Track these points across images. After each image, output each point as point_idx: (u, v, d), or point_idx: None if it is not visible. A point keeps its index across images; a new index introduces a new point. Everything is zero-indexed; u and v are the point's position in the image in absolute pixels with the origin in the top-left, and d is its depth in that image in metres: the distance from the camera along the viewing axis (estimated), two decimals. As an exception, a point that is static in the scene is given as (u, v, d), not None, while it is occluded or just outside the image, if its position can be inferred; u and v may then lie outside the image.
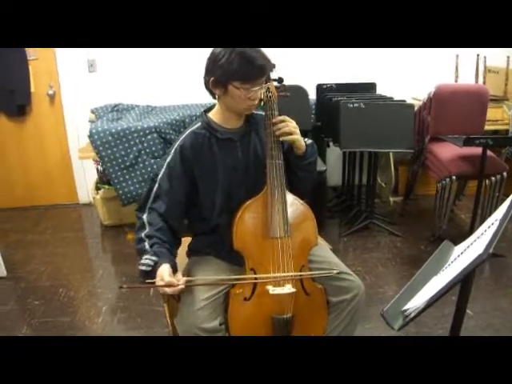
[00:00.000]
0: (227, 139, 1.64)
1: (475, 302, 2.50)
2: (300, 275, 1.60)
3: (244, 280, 1.58)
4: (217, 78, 1.52)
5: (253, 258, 1.59)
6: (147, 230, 1.58)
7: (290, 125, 1.60)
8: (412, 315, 1.09)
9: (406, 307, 1.16)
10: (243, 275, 1.59)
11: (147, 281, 1.48)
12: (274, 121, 1.61)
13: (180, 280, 1.45)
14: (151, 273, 1.49)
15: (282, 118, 1.62)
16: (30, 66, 3.67)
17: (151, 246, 1.54)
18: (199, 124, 1.66)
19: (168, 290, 1.44)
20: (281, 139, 1.60)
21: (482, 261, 0.96)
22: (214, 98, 1.62)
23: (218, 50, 1.50)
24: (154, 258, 1.50)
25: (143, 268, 1.50)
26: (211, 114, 1.67)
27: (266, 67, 1.50)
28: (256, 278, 1.57)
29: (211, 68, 1.53)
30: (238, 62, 1.45)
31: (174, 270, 1.52)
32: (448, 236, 3.04)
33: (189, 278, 1.52)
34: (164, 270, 1.46)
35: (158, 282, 1.44)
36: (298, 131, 1.61)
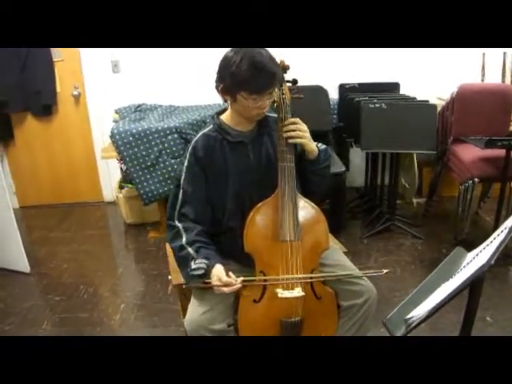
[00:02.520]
0: (238, 142, 1.64)
1: (496, 309, 2.44)
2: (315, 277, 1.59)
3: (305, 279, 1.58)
4: (225, 87, 1.51)
5: (263, 261, 1.60)
6: (185, 236, 1.60)
7: (301, 127, 1.58)
8: (414, 324, 1.07)
9: (410, 315, 1.14)
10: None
11: (206, 280, 1.51)
12: (284, 122, 1.60)
13: (237, 280, 1.49)
14: (204, 276, 1.51)
15: (293, 120, 1.60)
16: (55, 67, 3.76)
17: (197, 251, 1.56)
18: (211, 126, 1.67)
19: (226, 289, 1.47)
20: (289, 141, 1.58)
21: (483, 271, 0.93)
22: (226, 101, 1.62)
23: (230, 54, 1.49)
24: (205, 261, 1.53)
25: (197, 273, 1.52)
26: (223, 117, 1.68)
27: (275, 76, 1.48)
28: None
29: (221, 74, 1.52)
30: (247, 70, 1.43)
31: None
32: (471, 239, 2.99)
33: (246, 278, 1.53)
34: (220, 271, 1.50)
35: (215, 282, 1.48)
36: (307, 135, 1.59)
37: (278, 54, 1.58)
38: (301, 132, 1.58)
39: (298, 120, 1.60)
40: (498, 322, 2.35)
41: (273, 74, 1.47)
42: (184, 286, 1.59)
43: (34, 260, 3.12)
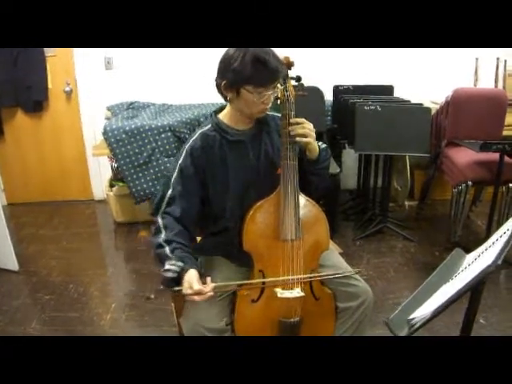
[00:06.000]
0: (238, 141, 1.61)
1: (490, 312, 2.45)
2: (310, 277, 1.57)
3: (268, 282, 1.55)
4: (229, 82, 1.49)
5: (262, 260, 1.57)
6: (164, 234, 1.55)
7: (307, 127, 1.55)
8: (418, 325, 1.06)
9: (412, 316, 1.13)
10: (255, 278, 1.58)
11: (175, 288, 1.44)
12: (291, 121, 1.56)
13: (207, 287, 1.41)
14: (177, 279, 1.46)
15: (300, 120, 1.56)
16: (47, 63, 3.71)
17: (172, 252, 1.51)
18: (209, 126, 1.64)
19: (197, 297, 1.40)
20: (296, 139, 1.54)
21: (490, 272, 0.93)
22: (226, 100, 1.59)
23: (232, 51, 1.47)
24: (179, 263, 1.47)
25: (169, 274, 1.46)
26: (221, 116, 1.65)
27: (279, 71, 1.47)
28: (273, 280, 1.55)
29: (223, 71, 1.50)
30: (251, 65, 1.42)
31: (200, 274, 1.47)
32: (463, 242, 3.00)
33: (217, 284, 1.46)
34: (192, 277, 1.42)
35: (186, 289, 1.40)
36: (313, 134, 1.57)
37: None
38: (307, 131, 1.55)
39: (305, 120, 1.57)
40: (492, 324, 2.36)
41: (277, 67, 1.46)
42: (150, 298, 1.49)
43: (22, 258, 3.07)
